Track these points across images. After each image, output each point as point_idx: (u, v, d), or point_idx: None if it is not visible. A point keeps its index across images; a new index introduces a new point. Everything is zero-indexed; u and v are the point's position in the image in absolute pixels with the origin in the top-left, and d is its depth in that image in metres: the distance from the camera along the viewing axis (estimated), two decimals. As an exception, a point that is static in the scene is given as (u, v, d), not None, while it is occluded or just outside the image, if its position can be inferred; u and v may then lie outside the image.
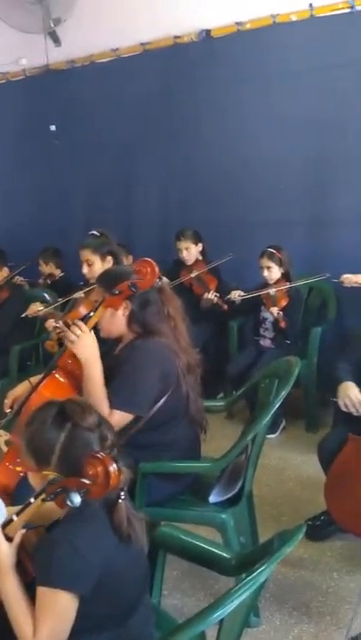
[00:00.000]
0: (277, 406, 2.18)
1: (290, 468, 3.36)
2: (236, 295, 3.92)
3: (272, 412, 2.17)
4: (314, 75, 3.96)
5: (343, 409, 2.41)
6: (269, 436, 3.67)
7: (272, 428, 3.72)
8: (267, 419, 2.16)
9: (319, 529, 2.66)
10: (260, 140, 4.24)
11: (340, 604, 2.32)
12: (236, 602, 1.23)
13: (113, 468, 1.27)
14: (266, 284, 3.91)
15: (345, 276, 3.58)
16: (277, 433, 3.81)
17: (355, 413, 2.39)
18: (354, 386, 2.44)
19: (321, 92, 3.96)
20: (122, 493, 1.41)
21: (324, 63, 3.91)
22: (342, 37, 3.83)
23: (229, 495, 2.22)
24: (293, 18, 4.00)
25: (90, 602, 1.33)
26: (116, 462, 1.37)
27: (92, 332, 2.20)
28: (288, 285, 3.85)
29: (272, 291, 3.85)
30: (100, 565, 1.34)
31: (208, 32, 4.30)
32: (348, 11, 3.80)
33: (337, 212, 4.06)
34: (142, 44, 4.58)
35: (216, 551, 1.59)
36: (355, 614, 2.14)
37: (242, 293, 3.92)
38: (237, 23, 4.17)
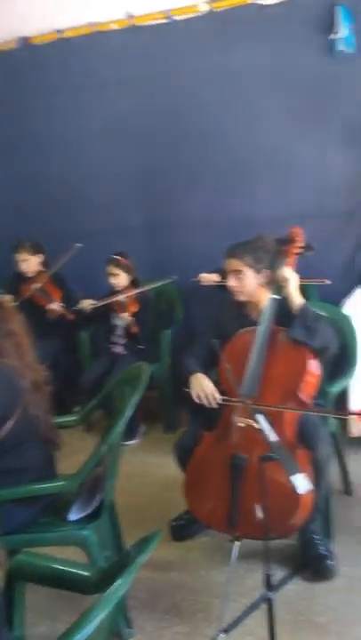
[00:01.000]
0: (130, 413, 2.17)
1: (152, 471, 3.37)
2: (88, 304, 3.87)
3: (124, 420, 2.15)
4: (140, 83, 4.03)
5: (196, 400, 2.44)
6: (129, 442, 3.67)
7: (130, 434, 3.73)
8: (120, 427, 2.14)
9: (183, 528, 2.70)
10: (94, 148, 4.24)
11: (210, 598, 2.36)
12: (95, 622, 1.19)
13: None
14: (114, 292, 3.91)
15: (201, 275, 3.67)
16: (137, 439, 3.82)
17: (207, 405, 2.43)
18: (206, 377, 2.48)
19: (148, 100, 4.04)
20: None
21: (149, 72, 3.99)
22: (162, 46, 3.92)
23: (90, 510, 2.17)
24: (114, 26, 4.03)
25: None
26: None
27: None
28: (138, 290, 3.86)
29: (122, 297, 3.85)
30: None
31: (27, 39, 4.21)
32: (165, 21, 3.91)
33: (178, 217, 4.16)
34: None
35: (74, 571, 1.54)
36: (224, 607, 2.18)
37: (93, 302, 3.88)
38: (58, 31, 4.12)
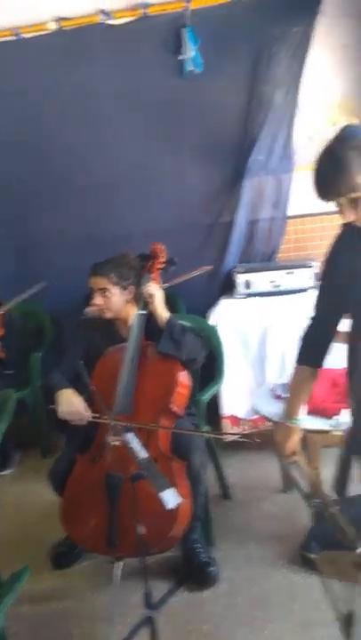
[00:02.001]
0: (-2, 444, 2.09)
1: (30, 500, 3.25)
2: None
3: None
4: (6, 98, 3.90)
5: (60, 416, 2.37)
6: (3, 473, 3.54)
7: (4, 464, 3.59)
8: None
9: (64, 555, 2.63)
10: None
11: (97, 623, 2.32)
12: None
13: None
14: (-23, 317, 3.74)
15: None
16: (12, 467, 3.68)
17: (72, 422, 2.38)
18: (75, 393, 2.43)
19: (16, 116, 3.90)
20: None
21: (16, 87, 3.86)
22: (11, 64, 3.83)
23: None
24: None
25: None
26: None
27: None
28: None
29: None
30: None
31: None
32: (13, 38, 3.81)
33: (43, 236, 4.07)
34: None
35: None
36: (110, 630, 2.15)
37: None
38: None
